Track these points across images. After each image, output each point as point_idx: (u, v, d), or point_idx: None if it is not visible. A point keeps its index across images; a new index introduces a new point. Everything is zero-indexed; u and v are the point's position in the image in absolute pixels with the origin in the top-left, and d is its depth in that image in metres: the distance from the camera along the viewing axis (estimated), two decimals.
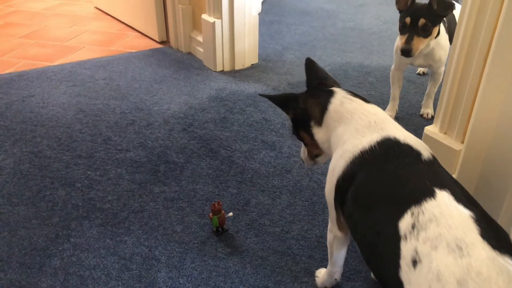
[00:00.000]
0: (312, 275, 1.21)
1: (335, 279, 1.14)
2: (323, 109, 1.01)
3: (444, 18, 1.80)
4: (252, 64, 2.48)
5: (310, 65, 1.12)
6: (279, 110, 2.01)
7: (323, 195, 1.44)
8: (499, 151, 1.10)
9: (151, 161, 1.66)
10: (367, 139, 0.92)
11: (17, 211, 1.41)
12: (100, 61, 2.49)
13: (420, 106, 2.04)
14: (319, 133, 1.03)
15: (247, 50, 2.42)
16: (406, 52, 1.64)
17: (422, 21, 1.60)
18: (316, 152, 1.11)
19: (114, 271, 1.21)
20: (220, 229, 1.34)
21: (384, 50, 2.71)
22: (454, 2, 1.68)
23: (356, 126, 0.95)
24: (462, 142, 1.27)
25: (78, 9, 3.40)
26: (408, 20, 1.63)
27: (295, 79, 2.32)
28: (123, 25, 3.06)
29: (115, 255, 1.26)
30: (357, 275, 1.21)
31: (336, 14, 3.35)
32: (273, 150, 1.73)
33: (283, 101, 1.06)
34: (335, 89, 1.03)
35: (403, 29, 1.66)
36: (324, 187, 1.04)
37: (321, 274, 1.19)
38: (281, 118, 1.95)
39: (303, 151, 1.16)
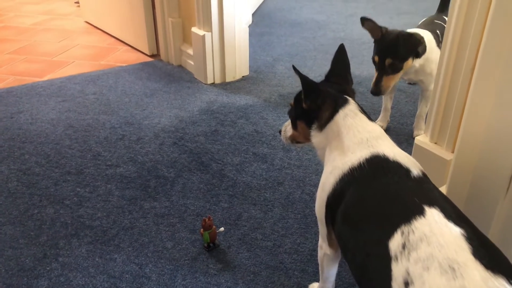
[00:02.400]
0: None
1: None
2: (330, 116, 0.98)
3: (438, 31, 1.78)
4: (243, 76, 2.48)
5: (342, 52, 1.07)
6: (270, 121, 2.01)
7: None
8: (489, 160, 1.09)
9: (141, 176, 1.64)
10: (356, 156, 0.91)
11: (4, 230, 1.38)
12: (90, 75, 2.48)
13: (411, 115, 2.04)
14: (317, 136, 1.01)
15: (238, 62, 2.42)
16: (375, 93, 1.65)
17: (388, 61, 1.59)
18: (301, 140, 1.09)
19: None
20: (211, 244, 1.32)
21: None
22: (422, 36, 1.63)
23: (348, 142, 0.94)
24: (453, 152, 1.27)
25: (68, 24, 3.39)
26: (376, 58, 1.62)
27: (286, 91, 2.32)
28: (113, 39, 3.05)
29: (105, 274, 1.23)
30: None
31: (326, 25, 3.37)
32: (265, 163, 1.72)
33: (310, 88, 0.98)
34: (349, 99, 1.00)
35: (374, 64, 1.66)
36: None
37: None
38: (273, 130, 1.94)
39: (287, 129, 1.12)
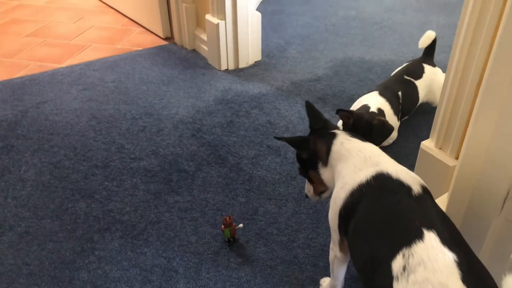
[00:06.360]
0: (317, 283, 1.33)
1: None
2: (328, 150, 1.12)
3: (399, 93, 1.83)
4: (255, 62, 2.54)
5: (311, 108, 1.23)
6: (283, 112, 2.10)
7: (326, 203, 1.55)
8: (493, 168, 1.17)
9: (164, 169, 1.76)
10: (364, 173, 1.02)
11: (44, 224, 1.52)
12: (108, 61, 2.55)
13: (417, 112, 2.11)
14: (325, 173, 1.14)
15: (251, 48, 2.47)
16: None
17: None
18: (322, 189, 1.21)
19: (137, 283, 1.33)
20: (231, 239, 1.45)
21: (385, 43, 2.75)
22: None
23: (353, 161, 1.06)
24: (456, 158, 1.36)
25: (81, 2, 3.42)
26: None
27: (298, 78, 2.38)
28: (127, 19, 3.09)
29: (137, 267, 1.38)
30: (358, 283, 1.33)
31: (337, 2, 3.36)
32: (278, 156, 1.82)
33: (298, 144, 1.19)
34: (336, 131, 1.15)
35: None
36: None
37: (325, 283, 1.31)
38: (285, 121, 2.03)
39: (308, 189, 1.26)
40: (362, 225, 0.98)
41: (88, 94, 2.25)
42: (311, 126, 1.22)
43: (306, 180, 1.26)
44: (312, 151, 1.15)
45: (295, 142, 1.19)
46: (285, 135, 1.95)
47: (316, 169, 1.16)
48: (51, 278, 1.34)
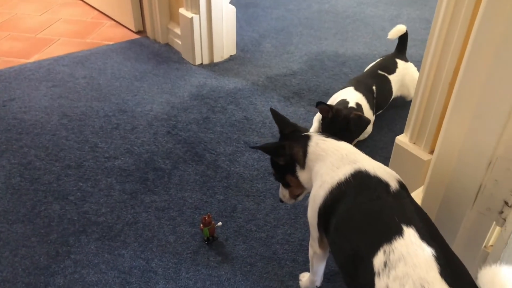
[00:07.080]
0: (296, 278, 1.34)
1: (316, 286, 1.28)
2: (304, 152, 1.12)
3: (374, 88, 1.86)
4: (230, 56, 2.52)
5: (276, 114, 1.23)
6: (259, 107, 2.09)
7: (304, 198, 1.56)
8: (466, 162, 1.20)
9: (140, 168, 1.73)
10: (342, 171, 1.03)
11: (15, 229, 1.47)
12: (78, 56, 2.48)
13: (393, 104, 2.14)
14: (303, 175, 1.14)
15: (226, 42, 2.45)
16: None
17: None
18: (299, 192, 1.22)
19: (116, 286, 1.31)
20: (210, 238, 1.44)
21: (358, 36, 2.78)
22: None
23: (330, 160, 1.07)
24: (430, 153, 1.39)
25: None
26: None
27: (273, 72, 2.38)
28: (96, 12, 3.01)
29: (115, 270, 1.35)
30: (337, 276, 1.35)
31: None
32: (256, 152, 1.82)
33: (274, 151, 1.18)
34: (310, 133, 1.16)
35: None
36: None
37: (304, 278, 1.32)
38: (262, 117, 2.03)
39: (283, 193, 1.27)
40: (343, 223, 0.99)
41: (58, 91, 2.19)
42: (281, 132, 1.22)
43: (280, 185, 1.26)
44: (289, 156, 1.15)
45: (271, 149, 1.19)
46: (262, 131, 1.94)
47: (293, 172, 1.16)
48: (25, 285, 1.30)
